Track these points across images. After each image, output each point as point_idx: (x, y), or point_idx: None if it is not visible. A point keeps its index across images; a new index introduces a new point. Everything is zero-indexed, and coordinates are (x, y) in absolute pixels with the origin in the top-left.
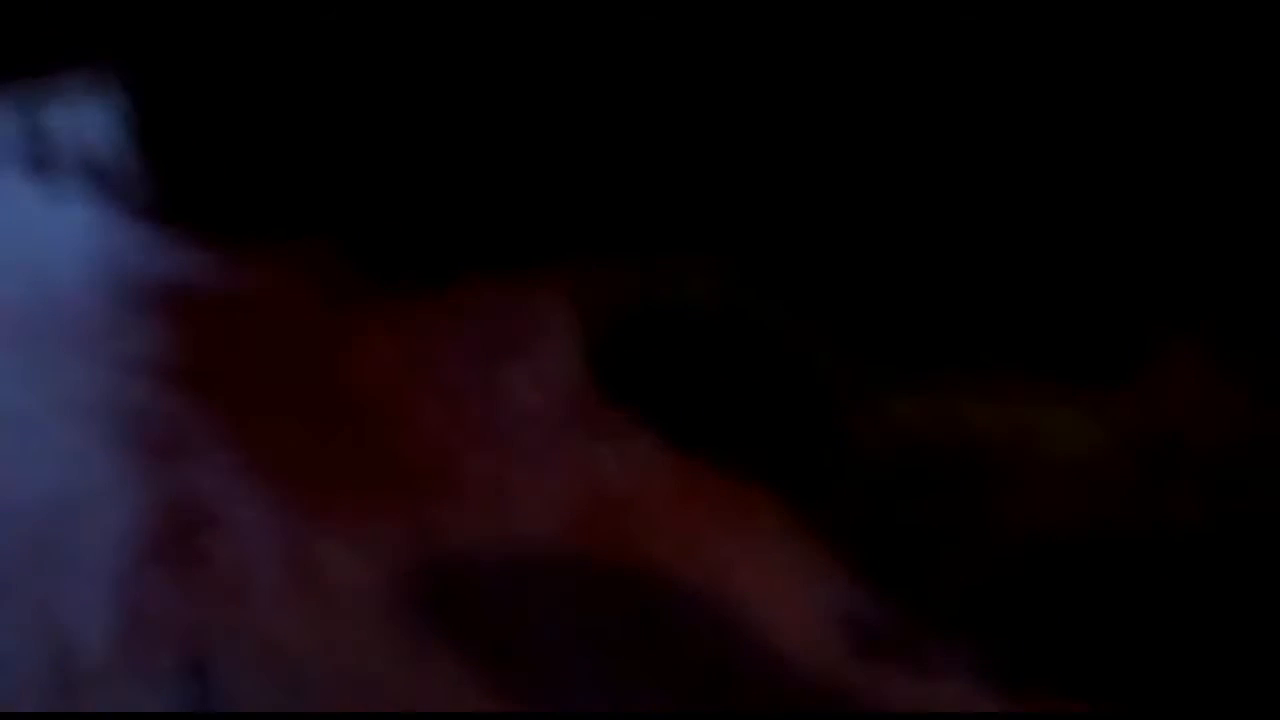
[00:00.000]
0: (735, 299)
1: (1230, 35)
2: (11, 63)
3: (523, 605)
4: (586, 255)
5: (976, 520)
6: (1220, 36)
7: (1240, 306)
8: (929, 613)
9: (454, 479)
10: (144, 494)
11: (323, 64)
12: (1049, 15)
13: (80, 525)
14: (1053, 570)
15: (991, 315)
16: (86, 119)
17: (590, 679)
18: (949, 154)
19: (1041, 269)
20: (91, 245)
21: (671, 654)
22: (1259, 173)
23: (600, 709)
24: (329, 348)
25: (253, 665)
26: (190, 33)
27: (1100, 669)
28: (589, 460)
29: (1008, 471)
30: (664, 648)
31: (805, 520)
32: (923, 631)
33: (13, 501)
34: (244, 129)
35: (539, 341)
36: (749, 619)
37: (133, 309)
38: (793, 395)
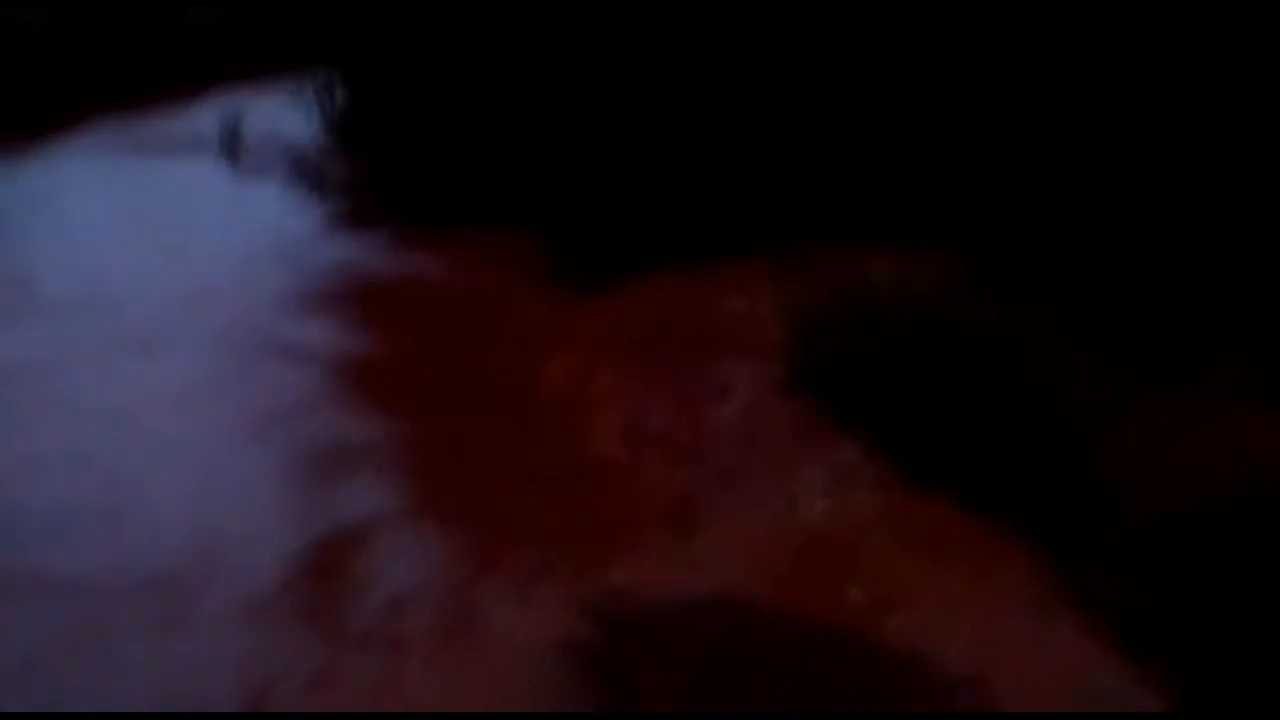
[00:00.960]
0: (966, 295)
1: None
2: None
3: (708, 672)
4: (789, 242)
5: None
6: None
7: None
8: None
9: (640, 505)
10: (297, 529)
11: (529, 56)
12: None
13: (223, 563)
14: None
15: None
16: (288, 116)
17: None
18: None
19: None
20: (283, 232)
21: None
22: None
23: None
24: (520, 346)
25: None
26: (398, 25)
27: None
28: (794, 488)
29: None
30: None
31: (1058, 579)
32: None
33: (154, 530)
34: (448, 120)
35: (743, 343)
36: (981, 698)
37: (318, 298)
38: (1044, 419)
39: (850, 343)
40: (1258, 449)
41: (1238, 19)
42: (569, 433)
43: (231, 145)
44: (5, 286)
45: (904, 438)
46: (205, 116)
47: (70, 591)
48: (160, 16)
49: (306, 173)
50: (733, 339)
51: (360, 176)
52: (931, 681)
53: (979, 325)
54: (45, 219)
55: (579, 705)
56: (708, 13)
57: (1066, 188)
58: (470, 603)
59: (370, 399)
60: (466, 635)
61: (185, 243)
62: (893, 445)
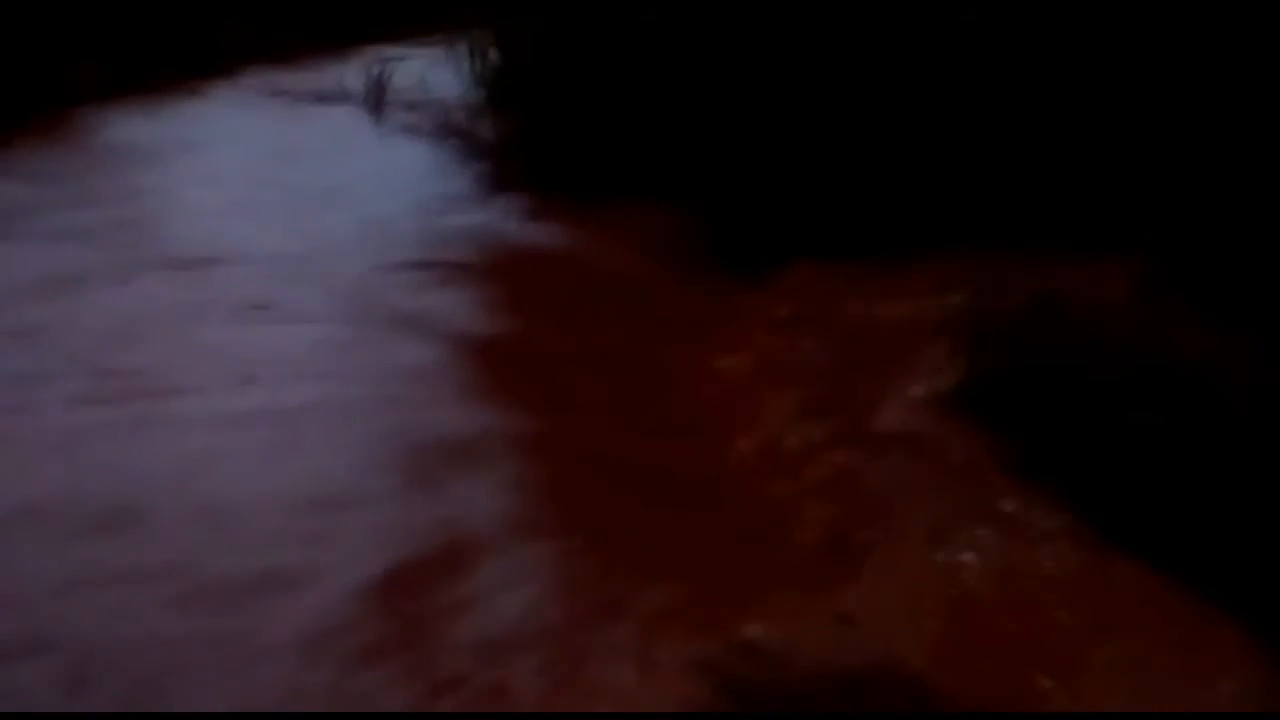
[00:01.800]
0: (1167, 314)
1: None
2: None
3: None
4: (956, 244)
5: None
6: None
7: None
8: None
9: (784, 540)
10: (391, 539)
11: (694, 30)
12: None
13: (299, 578)
14: None
15: None
16: (438, 75)
17: None
18: None
19: None
20: (422, 192)
21: None
22: None
23: None
24: (666, 339)
25: None
26: None
27: None
28: (963, 533)
29: None
30: None
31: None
32: None
33: (226, 535)
34: (603, 87)
35: (908, 354)
36: None
37: (453, 267)
38: (1268, 477)
39: (1032, 365)
40: None
41: None
42: (712, 445)
43: (377, 99)
44: (133, 232)
45: (1092, 482)
46: (355, 72)
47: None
48: None
49: (452, 132)
50: (897, 348)
51: (507, 140)
52: None
53: (1186, 354)
54: (188, 163)
55: None
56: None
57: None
58: (581, 652)
59: (496, 388)
60: (572, 692)
61: (321, 198)
62: (1078, 490)
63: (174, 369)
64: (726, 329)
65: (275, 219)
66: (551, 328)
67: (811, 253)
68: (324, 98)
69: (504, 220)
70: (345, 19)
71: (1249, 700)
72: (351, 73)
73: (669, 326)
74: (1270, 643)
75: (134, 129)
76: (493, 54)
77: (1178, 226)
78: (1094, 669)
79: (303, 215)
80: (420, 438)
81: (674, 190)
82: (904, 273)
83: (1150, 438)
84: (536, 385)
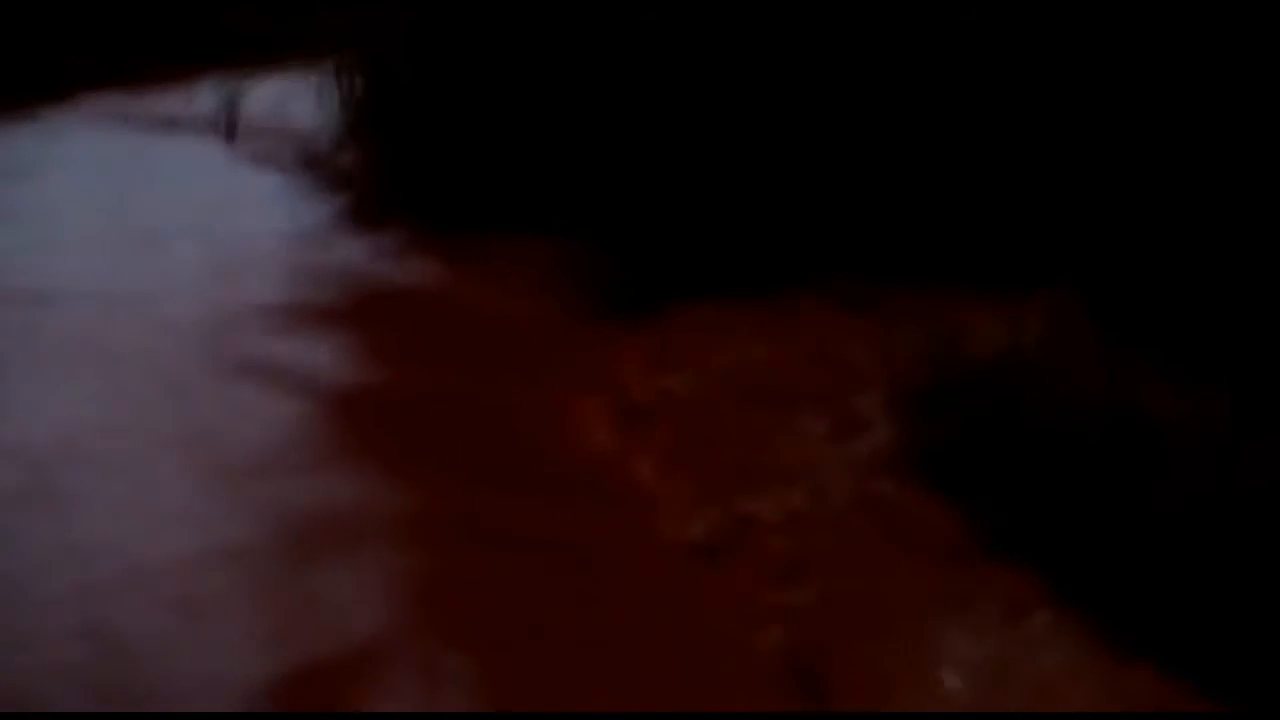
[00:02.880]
0: (1106, 358)
1: None
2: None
3: None
4: (857, 277)
5: None
6: None
7: None
8: None
9: (738, 652)
10: (257, 656)
11: (569, 54)
12: None
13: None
14: None
15: None
16: (299, 101)
17: None
18: None
19: None
20: (280, 227)
21: None
22: None
23: None
24: (555, 386)
25: None
26: (428, 7)
27: None
28: (947, 639)
29: None
30: None
31: None
32: None
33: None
34: (476, 114)
35: (825, 402)
36: None
37: (315, 310)
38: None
39: (993, 427)
40: None
41: None
42: (624, 519)
43: (229, 126)
44: None
45: (1073, 566)
46: (207, 98)
47: None
48: None
49: (313, 162)
50: (811, 396)
51: (373, 170)
52: None
53: (1160, 416)
54: (19, 192)
55: None
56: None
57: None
58: None
59: (370, 450)
60: None
61: (166, 231)
62: (1056, 574)
63: None
64: (621, 374)
65: (115, 253)
66: (426, 377)
67: (707, 290)
68: (172, 124)
69: (369, 257)
70: (196, 42)
71: None
72: (202, 98)
73: (557, 373)
74: None
75: None
76: (358, 77)
77: (1087, 260)
78: None
79: (145, 249)
80: (283, 516)
81: (555, 223)
82: (808, 313)
83: (1143, 519)
84: (413, 445)
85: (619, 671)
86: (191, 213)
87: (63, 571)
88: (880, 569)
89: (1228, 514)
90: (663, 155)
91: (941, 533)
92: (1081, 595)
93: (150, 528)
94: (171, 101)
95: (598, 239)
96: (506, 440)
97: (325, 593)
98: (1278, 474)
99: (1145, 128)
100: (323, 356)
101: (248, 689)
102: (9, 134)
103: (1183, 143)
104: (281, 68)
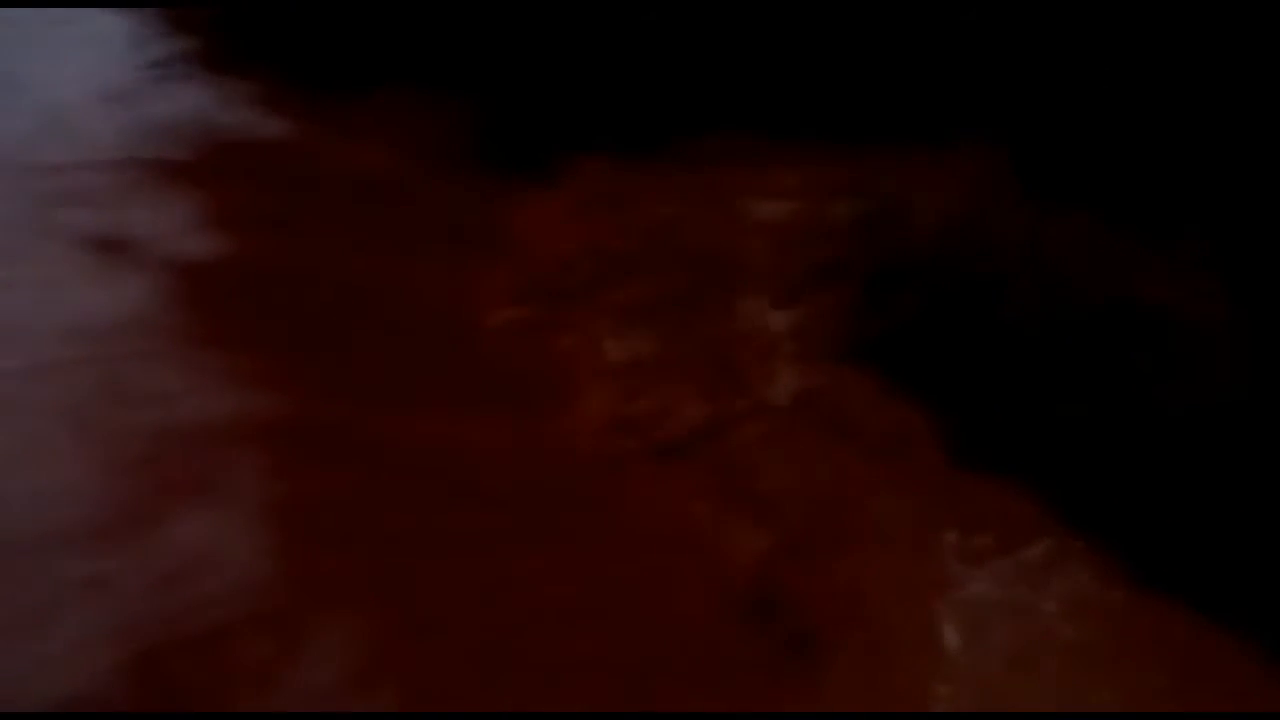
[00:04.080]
0: (1103, 245)
1: None
2: None
3: None
4: (771, 139)
5: None
6: None
7: None
8: None
9: (692, 592)
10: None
11: None
12: None
13: None
14: None
15: None
16: None
17: None
18: None
19: None
20: (119, 70)
21: None
22: None
23: None
24: (437, 259)
25: None
26: None
27: None
28: (946, 569)
29: None
30: None
31: None
32: None
33: None
34: None
35: (750, 274)
36: None
37: (161, 168)
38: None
39: (936, 305)
40: None
41: None
42: (536, 421)
43: None
44: None
45: (1074, 483)
46: None
47: None
48: None
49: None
50: (736, 268)
51: (228, 8)
52: None
53: (1151, 302)
54: None
55: None
56: None
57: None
58: None
59: (221, 341)
60: None
61: None
62: (1055, 492)
63: None
64: (523, 239)
65: None
66: (295, 247)
67: (603, 145)
68: None
69: (221, 107)
70: None
71: None
72: None
73: (441, 241)
74: None
75: None
76: None
77: (1012, 119)
78: None
79: None
80: (130, 435)
81: (437, 76)
82: (719, 171)
83: (1152, 424)
84: (282, 334)
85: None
86: (19, 61)
87: None
88: (850, 482)
89: (1247, 416)
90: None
91: (914, 439)
92: (1086, 517)
93: None
94: None
95: (476, 91)
96: (393, 322)
97: (176, 543)
98: None
99: None
100: (170, 224)
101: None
102: None
103: None
104: None
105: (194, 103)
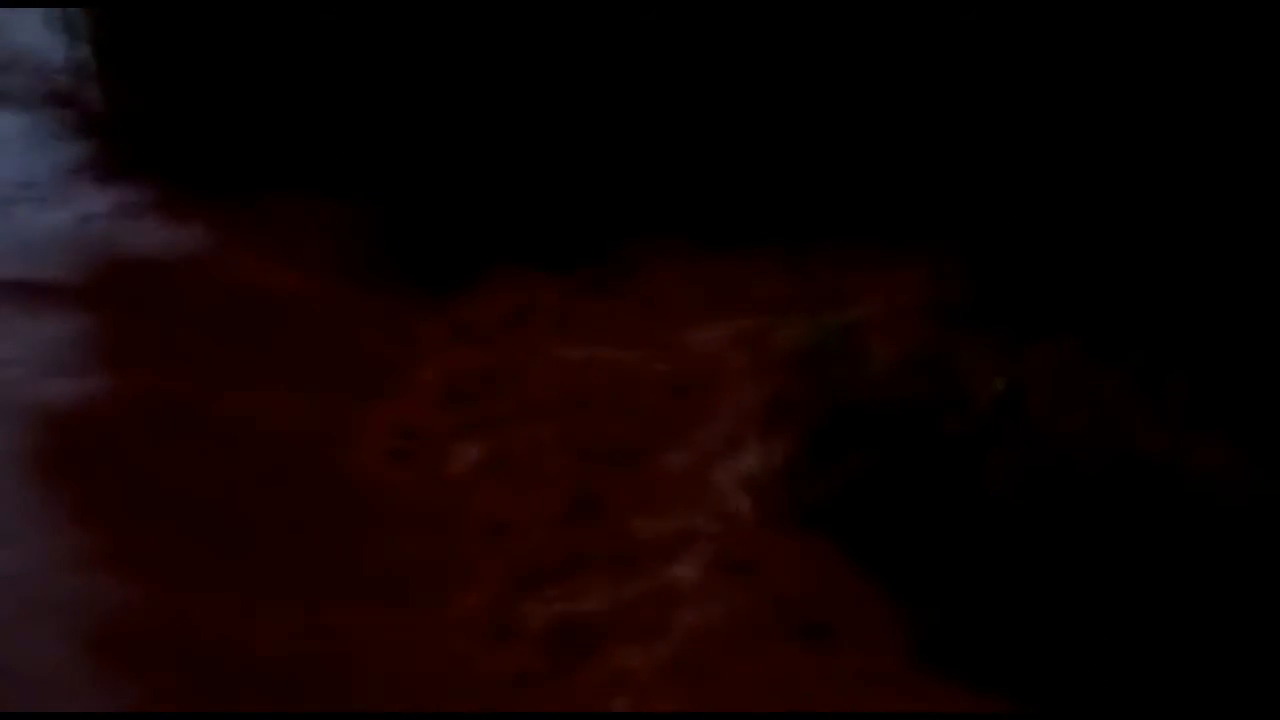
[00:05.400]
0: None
1: None
2: None
3: None
4: (699, 246)
5: None
6: None
7: None
8: None
9: None
10: None
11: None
12: None
13: None
14: None
15: None
16: (37, 31)
17: None
18: None
19: None
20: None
21: None
22: None
23: None
24: (324, 393)
25: None
26: None
27: None
28: None
29: None
30: None
31: None
32: None
33: None
34: (248, 55)
35: (693, 435)
36: None
37: (27, 287)
38: None
39: (891, 467)
40: None
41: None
42: (407, 621)
43: None
44: None
45: (1059, 686)
46: None
47: None
48: None
49: (53, 100)
50: (661, 409)
51: (123, 111)
52: None
53: (1151, 455)
54: None
55: None
56: None
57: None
58: None
59: (67, 512)
60: None
61: None
62: (1037, 698)
63: None
64: (405, 373)
65: None
66: (163, 384)
67: (519, 255)
68: None
69: (111, 218)
70: None
71: None
72: None
73: (332, 371)
74: None
75: None
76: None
77: (969, 223)
78: None
79: None
80: None
81: (335, 181)
82: (650, 285)
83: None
84: (136, 500)
85: None
86: None
87: None
88: (791, 681)
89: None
90: (464, 99)
91: (868, 628)
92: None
93: None
94: None
95: (380, 196)
96: (257, 482)
97: None
98: None
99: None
100: (32, 355)
101: None
102: None
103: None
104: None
105: (82, 210)
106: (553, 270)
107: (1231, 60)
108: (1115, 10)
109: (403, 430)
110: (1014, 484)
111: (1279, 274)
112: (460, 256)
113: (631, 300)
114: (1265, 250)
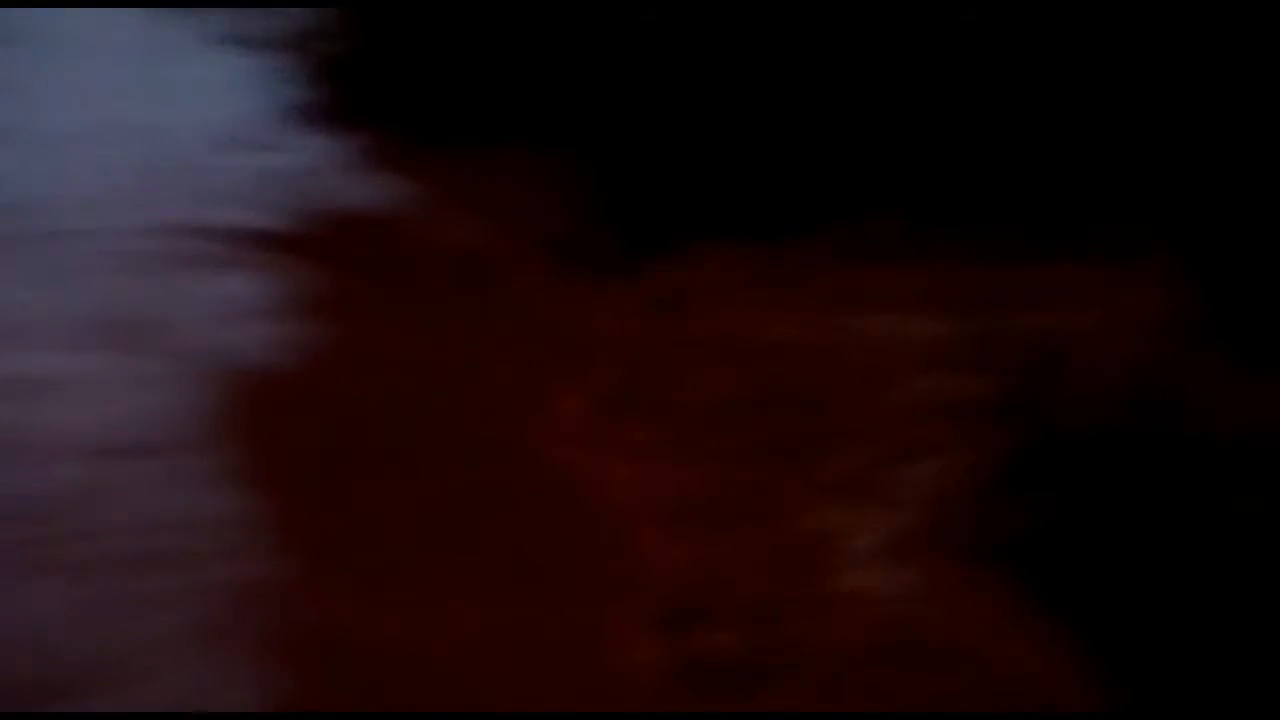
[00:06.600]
0: None
1: None
2: None
3: None
4: (918, 232)
5: None
6: None
7: None
8: None
9: None
10: None
11: None
12: None
13: None
14: None
15: None
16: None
17: None
18: None
19: None
20: (237, 121)
21: None
22: None
23: None
24: (496, 355)
25: None
26: None
27: None
28: None
29: None
30: None
31: None
32: None
33: None
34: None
35: (885, 430)
36: None
37: (236, 233)
38: None
39: (1094, 499)
40: None
41: None
42: (568, 615)
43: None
44: None
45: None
46: None
47: None
48: None
49: (291, 45)
50: (846, 408)
51: (358, 61)
52: None
53: None
54: None
55: None
56: None
57: None
58: None
59: (244, 472)
60: None
61: (96, 126)
62: None
63: None
64: (600, 343)
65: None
66: (349, 340)
67: (728, 227)
68: None
69: (330, 166)
70: None
71: None
72: None
73: (520, 337)
74: None
75: None
76: None
77: (1201, 227)
78: None
79: (79, 149)
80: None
81: (556, 135)
82: (858, 269)
83: None
84: (311, 462)
85: None
86: (133, 104)
87: None
88: None
89: None
90: (681, 62)
91: (1054, 687)
92: None
93: None
94: None
95: (597, 155)
96: (434, 458)
97: None
98: None
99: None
100: (217, 308)
101: None
102: None
103: None
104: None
105: (295, 159)
106: (759, 245)
107: None
108: None
109: (589, 404)
110: (1253, 543)
111: None
112: (668, 223)
113: (832, 282)
114: None
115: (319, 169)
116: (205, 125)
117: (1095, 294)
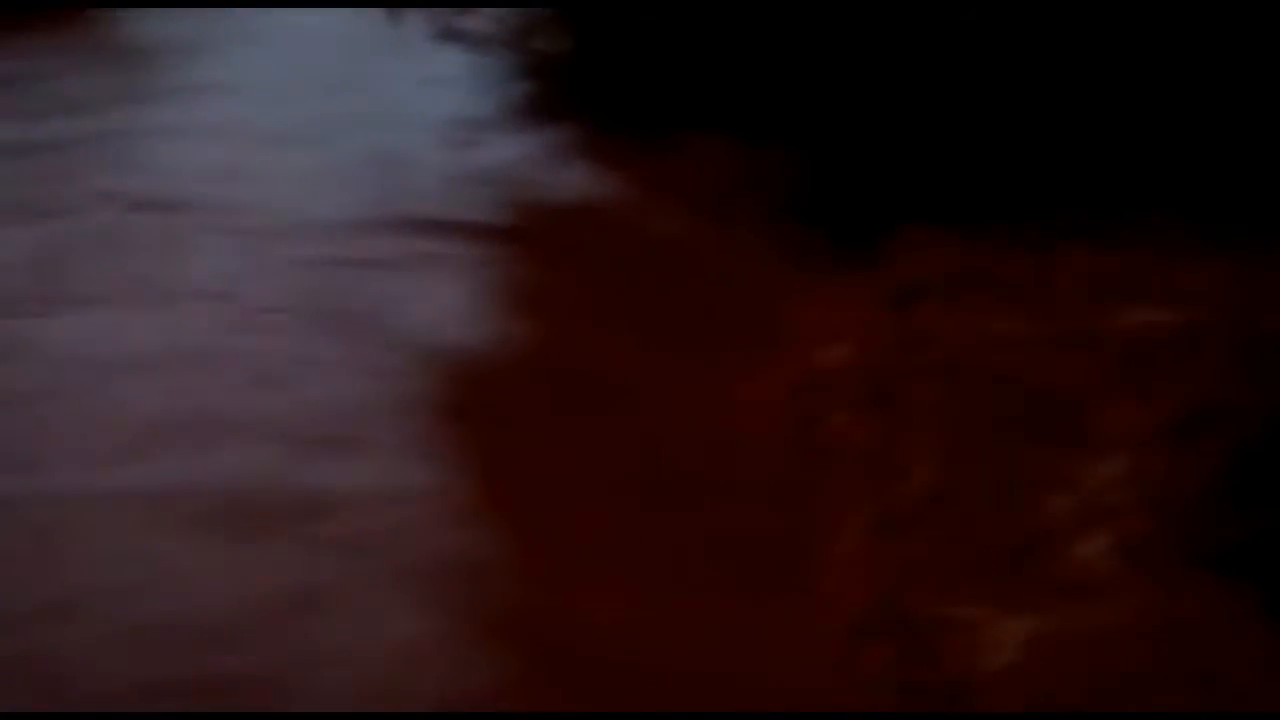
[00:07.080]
0: None
1: None
2: None
3: None
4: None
5: None
6: None
7: None
8: None
9: None
10: None
11: None
12: None
13: None
14: None
15: None
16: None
17: None
18: None
19: None
20: (453, 117)
21: None
22: None
23: None
24: (720, 360)
25: None
26: None
27: None
28: None
29: None
30: None
31: None
32: None
33: None
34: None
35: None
36: None
37: (442, 226)
38: None
39: None
40: None
41: None
42: (761, 618)
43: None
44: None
45: None
46: None
47: None
48: None
49: (506, 42)
50: (1072, 407)
51: (565, 54)
52: None
53: None
54: (187, 71)
55: None
56: None
57: None
58: None
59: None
60: None
61: (328, 121)
62: None
63: None
64: (800, 339)
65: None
66: (550, 332)
67: (941, 215)
68: None
69: (539, 159)
70: None
71: None
72: None
73: (722, 331)
74: None
75: (146, 27)
76: None
77: None
78: None
79: (298, 144)
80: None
81: (757, 124)
82: (1087, 260)
83: None
84: (527, 465)
85: None
86: (359, 100)
87: None
88: None
89: None
90: (888, 51)
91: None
92: None
93: None
94: None
95: (798, 143)
96: (659, 452)
97: None
98: None
99: None
100: (436, 302)
101: None
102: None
103: None
104: None
105: (514, 151)
106: (973, 233)
107: None
108: None
109: (803, 403)
110: None
111: None
112: (876, 215)
113: (1058, 277)
114: None
115: (531, 162)
116: (420, 120)
117: None
